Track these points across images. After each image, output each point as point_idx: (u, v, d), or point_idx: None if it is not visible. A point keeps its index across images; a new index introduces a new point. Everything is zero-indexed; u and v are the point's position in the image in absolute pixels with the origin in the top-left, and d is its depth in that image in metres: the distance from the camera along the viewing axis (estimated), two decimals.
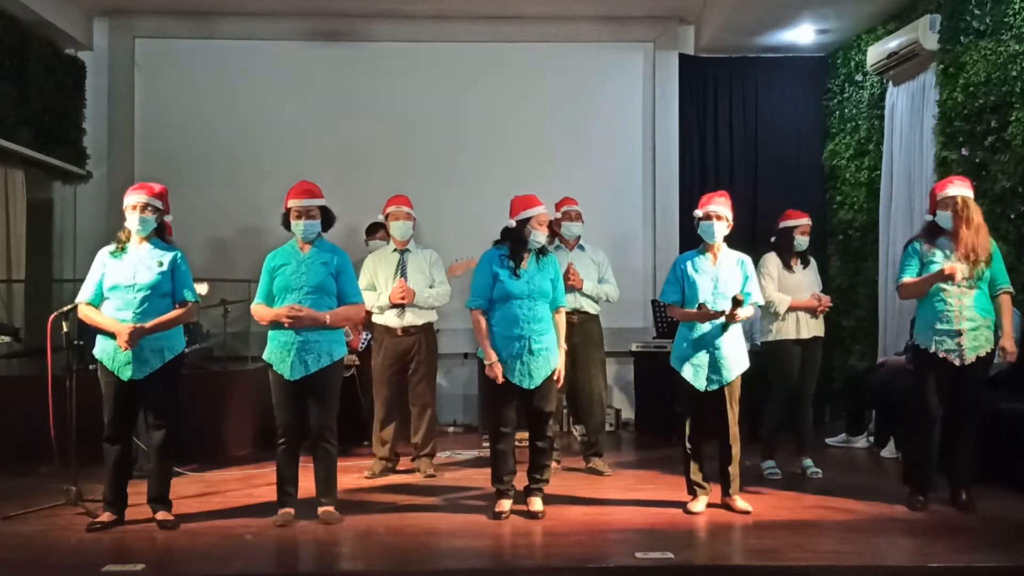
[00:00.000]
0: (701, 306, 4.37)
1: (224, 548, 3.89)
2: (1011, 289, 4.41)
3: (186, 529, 4.16)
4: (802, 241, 5.43)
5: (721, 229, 4.48)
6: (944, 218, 4.41)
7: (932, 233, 4.48)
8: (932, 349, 4.39)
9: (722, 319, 4.38)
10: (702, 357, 4.44)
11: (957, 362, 4.34)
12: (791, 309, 5.28)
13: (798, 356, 5.34)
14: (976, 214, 4.35)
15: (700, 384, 4.44)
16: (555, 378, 4.44)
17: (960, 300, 4.34)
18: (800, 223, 5.45)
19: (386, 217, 5.45)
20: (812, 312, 5.33)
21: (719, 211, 4.46)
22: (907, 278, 4.46)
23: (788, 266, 5.40)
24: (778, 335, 5.30)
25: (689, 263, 4.54)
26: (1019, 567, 3.57)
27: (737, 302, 4.33)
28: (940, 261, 4.37)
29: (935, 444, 4.43)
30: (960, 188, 4.43)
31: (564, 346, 4.53)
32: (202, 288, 5.11)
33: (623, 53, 7.87)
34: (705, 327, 4.43)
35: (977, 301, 4.35)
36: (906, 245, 4.64)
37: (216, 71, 7.63)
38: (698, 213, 4.51)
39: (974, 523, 4.19)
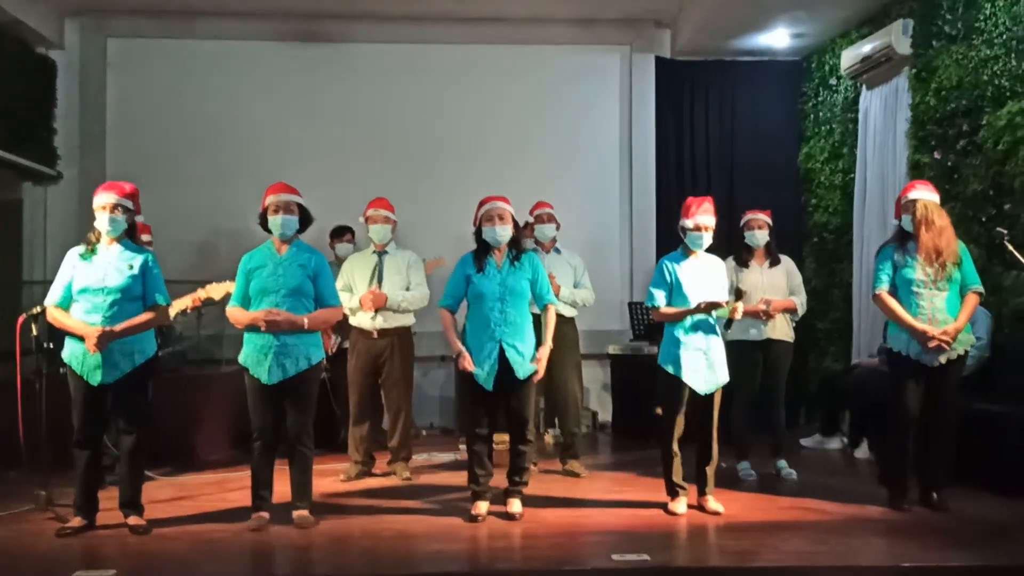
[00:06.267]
0: (704, 304, 4.40)
1: (197, 553, 3.84)
2: (980, 289, 4.44)
3: (158, 534, 4.11)
4: (752, 236, 5.41)
5: (708, 239, 4.52)
6: (907, 222, 4.46)
7: (902, 238, 4.52)
8: (906, 352, 4.43)
9: (718, 314, 4.42)
10: (699, 359, 4.45)
11: (932, 363, 4.38)
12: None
13: (756, 358, 5.34)
14: (938, 217, 4.38)
15: (700, 387, 4.45)
16: (533, 379, 4.43)
17: (932, 303, 4.38)
18: (748, 217, 5.46)
19: (366, 220, 5.42)
20: (757, 317, 5.29)
21: (708, 223, 4.49)
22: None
23: (745, 263, 5.41)
24: (730, 336, 5.17)
25: (675, 266, 4.55)
26: (990, 566, 3.61)
27: (740, 294, 4.37)
28: (912, 266, 4.41)
29: (910, 446, 4.47)
30: (921, 192, 4.48)
31: (550, 344, 4.52)
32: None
33: (600, 56, 7.88)
34: (703, 331, 4.45)
35: (948, 303, 4.39)
36: (879, 251, 4.68)
37: (190, 71, 7.55)
38: (688, 224, 4.50)
39: (947, 523, 4.23)
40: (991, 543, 3.90)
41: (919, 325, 4.35)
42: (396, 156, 7.59)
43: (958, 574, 3.57)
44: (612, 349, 7.25)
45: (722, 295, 4.49)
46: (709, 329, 4.49)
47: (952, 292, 4.41)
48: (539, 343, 4.51)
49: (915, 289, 4.40)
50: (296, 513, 4.27)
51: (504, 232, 4.44)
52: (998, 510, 4.42)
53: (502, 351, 4.35)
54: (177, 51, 7.55)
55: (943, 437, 4.47)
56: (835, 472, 5.61)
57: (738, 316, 4.44)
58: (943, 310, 4.37)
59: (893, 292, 4.50)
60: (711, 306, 4.39)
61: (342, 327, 5.70)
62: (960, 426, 4.72)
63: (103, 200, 4.12)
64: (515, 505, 4.42)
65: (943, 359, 4.37)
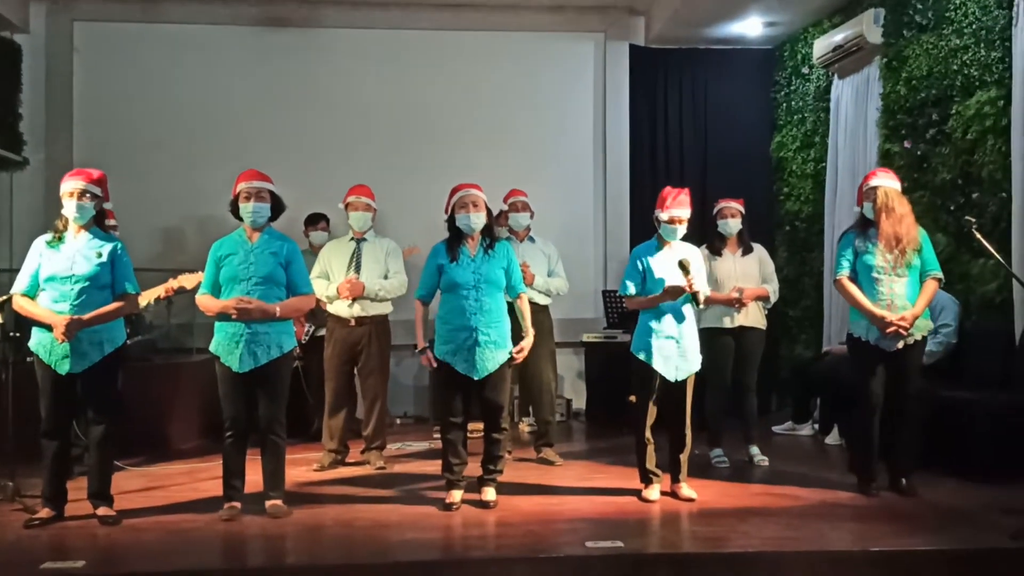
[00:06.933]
0: (668, 288, 4.41)
1: (168, 544, 3.81)
2: (939, 275, 4.50)
3: (128, 525, 4.06)
4: (725, 224, 5.43)
5: (682, 231, 4.53)
6: (868, 209, 4.51)
7: (863, 225, 4.57)
8: (865, 338, 4.48)
9: (686, 296, 4.41)
10: (670, 347, 4.47)
11: (890, 348, 4.43)
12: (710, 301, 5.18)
13: (728, 345, 5.36)
14: (899, 204, 4.43)
15: (671, 374, 4.47)
16: (508, 366, 4.45)
17: (891, 289, 4.43)
18: (720, 206, 5.48)
19: (346, 206, 5.39)
20: (730, 305, 5.32)
21: (682, 215, 4.50)
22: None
23: (717, 252, 5.43)
24: (703, 324, 5.19)
25: (649, 257, 4.55)
26: (956, 549, 3.66)
27: (684, 267, 4.37)
28: (872, 252, 4.45)
29: (877, 431, 4.52)
30: (882, 180, 4.53)
31: (531, 330, 4.57)
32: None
33: (574, 43, 7.86)
34: (673, 319, 4.46)
35: (908, 289, 4.44)
36: (840, 237, 4.73)
37: (160, 56, 7.44)
38: (663, 216, 4.51)
39: (915, 508, 4.29)
40: (958, 528, 3.95)
41: (877, 311, 4.40)
42: (368, 143, 7.53)
43: (926, 558, 3.62)
44: (586, 337, 7.26)
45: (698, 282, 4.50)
46: (681, 317, 4.50)
47: (912, 278, 4.46)
48: (515, 333, 4.51)
49: (875, 275, 4.45)
50: (269, 503, 4.24)
51: (478, 220, 4.42)
52: (965, 495, 4.47)
53: (476, 341, 4.33)
54: (145, 35, 7.43)
55: (907, 422, 4.52)
56: (806, 458, 5.67)
57: (696, 288, 4.39)
58: (902, 296, 4.42)
59: (854, 278, 4.55)
60: (675, 290, 4.40)
61: (315, 315, 5.66)
62: (928, 413, 4.79)
63: (70, 186, 4.05)
64: (489, 493, 4.42)
65: (900, 344, 4.42)
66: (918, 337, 4.46)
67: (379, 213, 5.58)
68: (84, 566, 3.46)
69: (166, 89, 7.42)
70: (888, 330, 4.38)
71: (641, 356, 4.50)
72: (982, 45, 5.38)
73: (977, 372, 5.15)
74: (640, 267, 4.55)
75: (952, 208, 5.58)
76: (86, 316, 3.98)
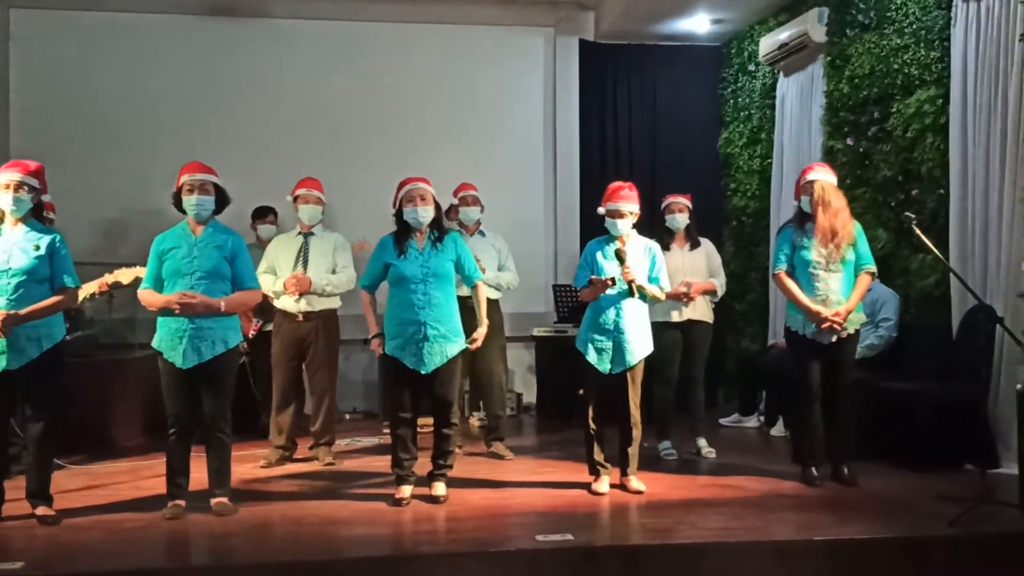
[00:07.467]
0: (592, 280, 4.45)
1: (110, 543, 3.72)
2: (873, 269, 4.60)
3: (68, 524, 3.97)
4: (673, 219, 5.48)
5: (626, 225, 4.55)
6: (806, 203, 4.59)
7: (801, 219, 4.65)
8: (802, 331, 4.57)
9: (619, 288, 4.44)
10: (606, 341, 4.49)
11: (825, 341, 4.52)
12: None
13: (676, 339, 5.41)
14: (835, 198, 4.51)
15: (604, 367, 4.50)
16: (458, 360, 4.44)
17: (827, 283, 4.51)
18: (668, 201, 5.54)
19: (294, 199, 5.32)
20: (678, 299, 5.34)
21: (621, 209, 4.52)
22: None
23: (666, 246, 5.45)
24: (652, 318, 5.20)
25: (599, 251, 4.58)
26: (897, 538, 3.75)
27: (620, 257, 4.40)
28: (808, 247, 4.53)
29: (819, 421, 4.61)
30: (819, 174, 4.61)
31: (486, 322, 4.57)
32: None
33: (524, 37, 7.88)
34: (610, 312, 4.48)
35: (843, 283, 4.53)
36: (779, 231, 4.81)
37: (100, 45, 7.26)
38: (601, 211, 4.55)
39: (857, 497, 4.38)
40: (899, 516, 4.05)
41: (813, 306, 4.48)
42: (317, 136, 7.46)
43: (868, 546, 3.70)
44: (537, 331, 7.28)
45: (644, 275, 4.54)
46: (623, 310, 4.50)
47: (847, 273, 4.55)
48: (468, 326, 4.52)
49: (811, 270, 4.54)
50: (214, 500, 4.18)
51: (425, 213, 4.39)
52: (906, 484, 4.58)
53: (425, 335, 4.31)
54: (85, 23, 7.25)
55: (843, 412, 4.62)
56: (753, 450, 5.76)
57: (630, 277, 4.41)
58: (837, 291, 4.51)
59: (791, 272, 4.62)
60: (599, 282, 4.43)
61: (264, 310, 5.59)
62: (869, 404, 4.90)
63: (6, 178, 3.93)
64: (439, 488, 4.41)
65: (835, 338, 4.52)
66: (851, 331, 4.56)
67: (327, 207, 5.52)
68: (23, 567, 3.36)
69: (108, 78, 7.25)
70: (823, 325, 4.47)
71: (580, 348, 4.55)
72: (922, 45, 5.51)
73: (916, 364, 5.28)
74: (589, 260, 4.59)
75: (893, 204, 5.70)
76: (23, 311, 3.87)
